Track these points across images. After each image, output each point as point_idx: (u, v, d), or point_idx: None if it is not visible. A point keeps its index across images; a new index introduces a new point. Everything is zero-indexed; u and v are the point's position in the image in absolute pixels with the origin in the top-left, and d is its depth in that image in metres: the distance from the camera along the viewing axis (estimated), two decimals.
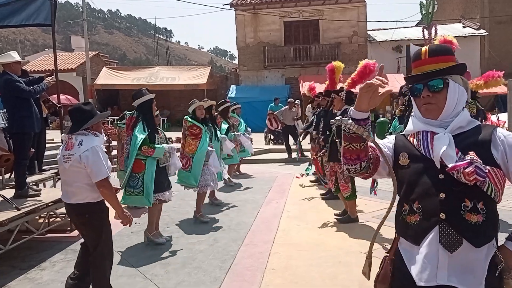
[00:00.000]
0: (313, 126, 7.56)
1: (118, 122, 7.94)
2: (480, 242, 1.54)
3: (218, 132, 6.71)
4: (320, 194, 7.16)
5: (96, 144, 3.29)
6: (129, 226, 3.55)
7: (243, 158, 9.51)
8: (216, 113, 7.37)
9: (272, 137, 14.94)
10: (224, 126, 7.89)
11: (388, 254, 1.78)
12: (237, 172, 9.62)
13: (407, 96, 7.08)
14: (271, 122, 13.89)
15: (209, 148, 5.92)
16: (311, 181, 8.10)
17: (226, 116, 8.23)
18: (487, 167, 1.52)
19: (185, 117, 6.08)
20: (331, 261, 4.27)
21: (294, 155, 11.66)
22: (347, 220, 5.58)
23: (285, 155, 11.87)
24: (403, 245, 1.70)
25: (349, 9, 22.37)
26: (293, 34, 22.93)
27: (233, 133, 8.16)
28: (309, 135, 8.08)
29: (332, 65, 6.24)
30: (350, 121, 1.60)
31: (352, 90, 5.69)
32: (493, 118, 11.07)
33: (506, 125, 10.44)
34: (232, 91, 21.57)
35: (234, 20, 22.90)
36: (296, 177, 8.91)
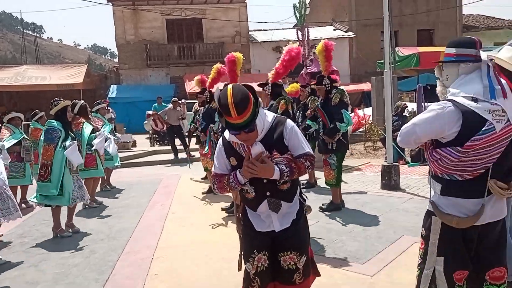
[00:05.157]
0: (201, 128, 7.26)
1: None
2: (291, 199, 2.42)
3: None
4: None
5: None
6: None
7: (111, 168, 7.98)
8: (73, 114, 6.04)
9: (157, 138, 14.52)
10: (88, 129, 6.46)
11: (238, 213, 2.57)
12: (107, 187, 8.04)
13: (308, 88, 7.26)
14: (156, 122, 13.44)
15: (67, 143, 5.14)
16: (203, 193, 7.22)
17: (86, 117, 6.67)
18: (285, 155, 2.28)
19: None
20: (216, 258, 4.27)
21: (181, 155, 11.47)
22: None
23: (171, 156, 11.62)
24: (248, 208, 2.50)
25: (230, 9, 22.79)
26: (176, 32, 22.59)
27: (93, 135, 6.48)
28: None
29: (233, 55, 5.53)
30: (252, 189, 2.37)
31: (277, 82, 5.26)
32: (360, 112, 12.23)
33: (371, 118, 11.65)
34: (113, 91, 20.46)
35: (112, 16, 21.73)
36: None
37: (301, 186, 6.28)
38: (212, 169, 2.50)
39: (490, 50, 4.48)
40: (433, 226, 2.29)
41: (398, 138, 2.36)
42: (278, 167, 2.23)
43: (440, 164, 2.18)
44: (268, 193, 2.35)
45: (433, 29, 24.71)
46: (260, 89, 5.29)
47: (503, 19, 27.52)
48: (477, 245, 2.25)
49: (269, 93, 5.11)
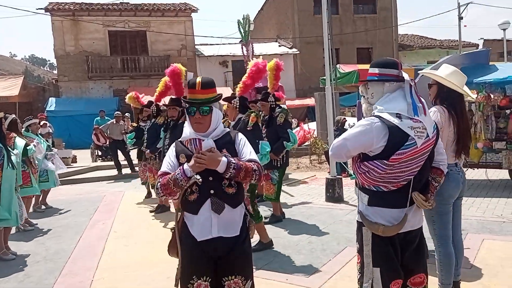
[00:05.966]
0: (145, 143, 7.21)
1: None
2: (235, 205, 2.37)
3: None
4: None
5: None
6: None
7: (47, 190, 7.54)
8: (5, 129, 5.37)
9: (99, 153, 13.98)
10: (21, 142, 5.77)
11: (175, 226, 2.41)
12: (42, 206, 7.54)
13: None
14: (98, 137, 12.96)
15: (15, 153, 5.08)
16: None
17: (18, 132, 5.99)
18: (235, 158, 2.35)
19: None
20: (160, 277, 4.14)
21: (125, 170, 11.09)
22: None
23: (114, 172, 11.21)
24: (186, 216, 2.39)
25: (176, 22, 22.68)
26: (119, 44, 22.08)
27: (30, 148, 6.01)
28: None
29: (177, 67, 5.54)
30: (198, 176, 2.24)
31: (245, 96, 5.20)
32: (305, 126, 12.53)
33: (315, 132, 11.97)
34: (51, 104, 19.53)
35: (51, 26, 20.84)
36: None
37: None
38: (160, 169, 2.46)
39: (423, 68, 4.82)
40: (364, 237, 2.40)
41: (330, 152, 2.48)
42: (226, 158, 2.26)
43: (368, 176, 2.32)
44: (212, 191, 2.31)
45: (371, 47, 26.10)
46: (226, 103, 5.30)
47: (435, 39, 29.67)
48: (401, 253, 2.40)
49: (237, 106, 5.04)
